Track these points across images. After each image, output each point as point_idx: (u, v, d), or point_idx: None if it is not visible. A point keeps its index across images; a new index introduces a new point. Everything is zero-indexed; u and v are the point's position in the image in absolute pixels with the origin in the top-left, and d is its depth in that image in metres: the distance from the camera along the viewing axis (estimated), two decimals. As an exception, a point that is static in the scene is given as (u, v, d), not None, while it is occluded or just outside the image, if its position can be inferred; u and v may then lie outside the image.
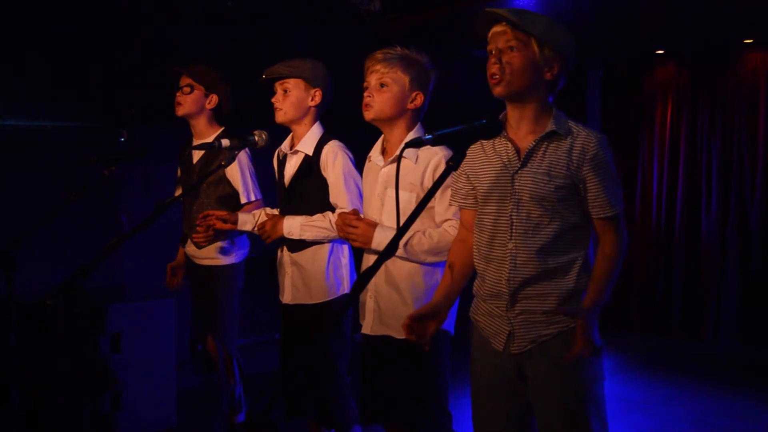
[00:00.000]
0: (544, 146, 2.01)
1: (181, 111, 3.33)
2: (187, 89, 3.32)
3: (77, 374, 3.61)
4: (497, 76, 1.99)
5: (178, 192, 3.52)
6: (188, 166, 3.38)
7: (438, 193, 2.39)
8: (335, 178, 2.78)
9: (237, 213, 3.04)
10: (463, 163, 2.14)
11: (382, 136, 2.58)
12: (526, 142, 2.02)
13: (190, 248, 3.36)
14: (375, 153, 2.58)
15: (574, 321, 1.99)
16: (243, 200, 3.28)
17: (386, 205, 2.48)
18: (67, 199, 2.74)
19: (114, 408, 3.78)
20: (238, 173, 3.26)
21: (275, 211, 3.02)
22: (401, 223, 1.69)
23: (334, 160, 2.77)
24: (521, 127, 2.04)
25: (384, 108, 2.47)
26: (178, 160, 3.49)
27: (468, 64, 6.33)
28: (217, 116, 3.39)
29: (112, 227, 4.77)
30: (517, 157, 2.02)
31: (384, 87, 2.47)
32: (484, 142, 2.11)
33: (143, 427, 3.86)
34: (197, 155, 3.33)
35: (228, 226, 3.00)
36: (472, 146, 2.15)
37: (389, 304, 2.46)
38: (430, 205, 2.43)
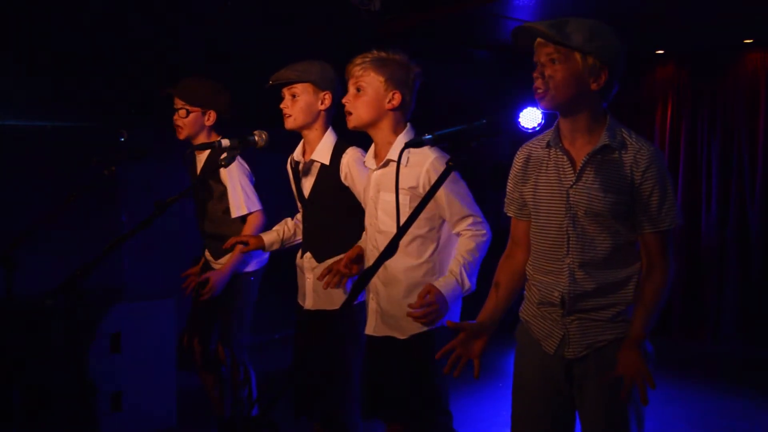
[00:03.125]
0: (597, 160, 1.97)
1: (182, 135, 3.26)
2: (183, 112, 3.24)
3: (76, 374, 3.62)
4: (540, 91, 1.95)
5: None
6: (193, 177, 3.35)
7: (444, 197, 2.38)
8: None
9: (261, 236, 2.99)
10: (513, 172, 2.16)
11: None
12: (581, 154, 1.99)
13: (208, 253, 3.37)
14: (368, 158, 2.58)
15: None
16: (233, 214, 3.20)
17: (380, 209, 2.47)
18: (67, 199, 2.73)
19: (114, 408, 3.78)
20: (229, 185, 3.20)
21: (298, 218, 3.01)
22: (400, 225, 1.69)
23: (359, 171, 2.72)
24: (576, 138, 2.01)
25: (361, 113, 2.46)
26: (186, 170, 3.46)
27: (468, 64, 6.33)
28: (219, 128, 3.32)
29: (112, 227, 4.77)
30: (572, 170, 2.00)
31: (360, 91, 2.46)
32: (538, 148, 2.08)
33: (143, 427, 3.86)
34: (200, 167, 3.31)
35: (249, 249, 2.98)
36: (524, 149, 2.14)
37: (390, 303, 2.47)
38: (433, 213, 2.42)
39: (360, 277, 1.60)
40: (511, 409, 2.16)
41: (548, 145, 2.05)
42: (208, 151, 3.28)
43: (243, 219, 3.26)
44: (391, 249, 1.62)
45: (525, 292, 2.18)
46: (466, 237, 2.40)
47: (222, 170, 3.19)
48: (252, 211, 3.22)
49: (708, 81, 5.94)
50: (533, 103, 7.09)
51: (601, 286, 1.99)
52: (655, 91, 6.16)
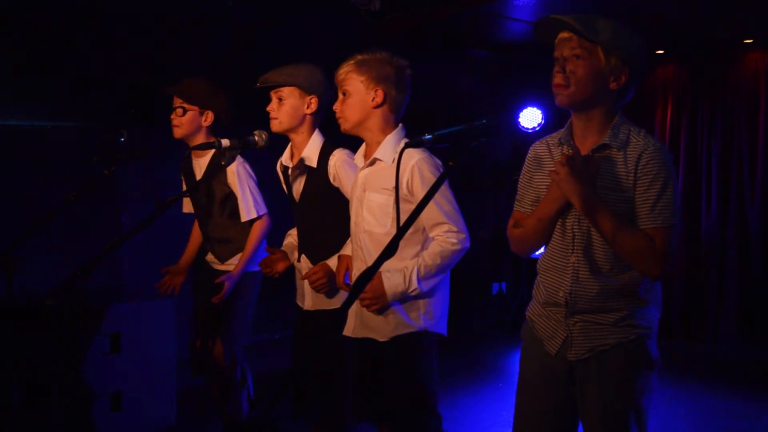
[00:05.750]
0: (603, 158, 1.96)
1: (178, 133, 3.23)
2: (179, 111, 3.21)
3: (76, 374, 3.62)
4: (561, 85, 1.95)
5: (186, 207, 3.49)
6: (193, 182, 3.31)
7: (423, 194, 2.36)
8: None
9: (285, 252, 2.96)
10: (525, 168, 2.16)
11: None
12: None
13: (211, 256, 3.34)
14: (358, 156, 2.59)
15: (635, 333, 1.97)
16: (243, 218, 3.19)
17: (365, 209, 2.48)
18: (67, 199, 2.73)
19: (114, 408, 3.78)
20: (238, 190, 3.19)
21: (293, 232, 3.00)
22: (400, 225, 1.70)
23: (347, 172, 2.73)
24: (587, 137, 2.01)
25: (348, 115, 2.49)
26: (181, 173, 3.42)
27: (468, 64, 6.34)
28: (216, 130, 3.28)
29: (112, 227, 4.77)
30: None
31: (345, 95, 2.50)
32: (551, 145, 2.09)
33: (143, 427, 3.86)
34: (199, 171, 3.28)
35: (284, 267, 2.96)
36: (537, 146, 2.14)
37: None
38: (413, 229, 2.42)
39: (359, 278, 1.60)
40: (514, 406, 2.17)
41: (560, 143, 2.06)
42: (207, 156, 3.25)
43: (249, 223, 3.24)
44: (390, 249, 1.62)
45: (533, 291, 2.18)
46: (435, 242, 2.41)
47: (229, 173, 3.18)
48: (261, 214, 3.21)
49: (708, 81, 5.94)
50: (533, 103, 7.10)
51: (605, 289, 1.98)
52: (655, 91, 6.17)
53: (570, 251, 2.01)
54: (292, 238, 3.00)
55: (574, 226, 2.01)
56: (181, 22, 4.60)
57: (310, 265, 2.82)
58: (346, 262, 2.65)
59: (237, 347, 3.30)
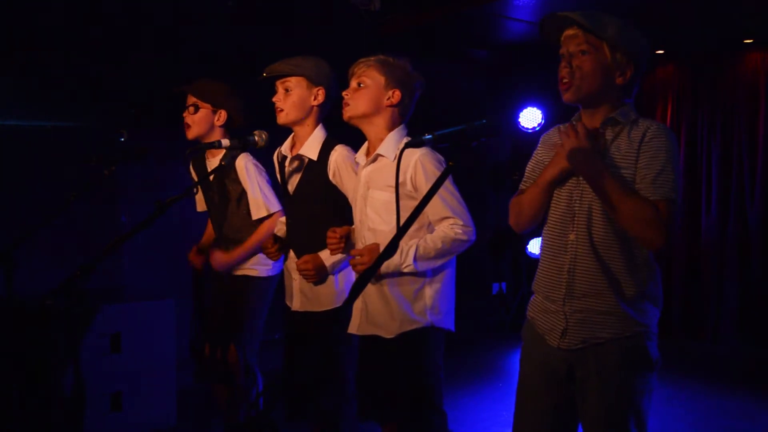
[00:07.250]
0: (610, 137, 1.99)
1: (191, 133, 3.20)
2: (192, 108, 3.19)
3: (76, 375, 3.61)
4: (566, 81, 1.98)
5: (200, 206, 3.47)
6: (206, 183, 3.27)
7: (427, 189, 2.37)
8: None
9: (280, 237, 2.96)
10: (537, 152, 2.19)
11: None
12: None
13: None
14: (360, 155, 2.60)
15: (633, 329, 1.97)
16: (253, 215, 3.16)
17: (369, 207, 2.49)
18: (67, 199, 2.73)
19: (114, 408, 3.78)
20: (248, 187, 3.16)
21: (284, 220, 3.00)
22: (400, 225, 1.70)
23: (349, 169, 2.72)
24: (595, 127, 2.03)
25: (358, 104, 2.49)
26: (193, 170, 3.39)
27: (468, 64, 6.34)
28: (229, 131, 3.25)
29: (112, 227, 4.77)
30: None
31: (361, 86, 2.50)
32: (563, 129, 2.11)
33: (143, 427, 3.86)
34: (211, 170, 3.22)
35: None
36: (550, 132, 2.17)
37: (376, 303, 2.46)
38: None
39: (358, 279, 1.60)
40: (514, 406, 2.17)
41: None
42: (219, 155, 3.22)
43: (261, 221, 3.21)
44: (391, 248, 1.62)
45: (533, 284, 2.18)
46: (440, 228, 2.40)
47: (238, 170, 3.16)
48: (273, 212, 3.16)
49: (708, 81, 5.93)
50: (533, 103, 7.10)
51: (603, 269, 1.98)
52: (655, 91, 6.16)
53: (570, 229, 2.03)
54: (284, 225, 2.99)
55: (575, 204, 2.02)
56: (181, 21, 4.60)
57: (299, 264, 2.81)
58: (346, 229, 2.63)
59: (251, 353, 3.26)
